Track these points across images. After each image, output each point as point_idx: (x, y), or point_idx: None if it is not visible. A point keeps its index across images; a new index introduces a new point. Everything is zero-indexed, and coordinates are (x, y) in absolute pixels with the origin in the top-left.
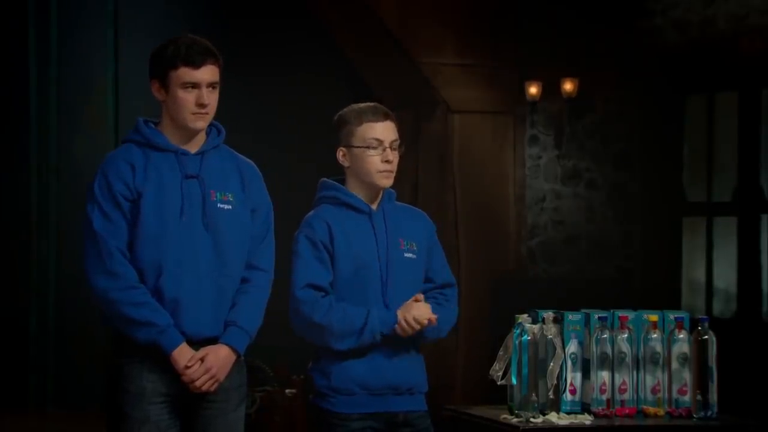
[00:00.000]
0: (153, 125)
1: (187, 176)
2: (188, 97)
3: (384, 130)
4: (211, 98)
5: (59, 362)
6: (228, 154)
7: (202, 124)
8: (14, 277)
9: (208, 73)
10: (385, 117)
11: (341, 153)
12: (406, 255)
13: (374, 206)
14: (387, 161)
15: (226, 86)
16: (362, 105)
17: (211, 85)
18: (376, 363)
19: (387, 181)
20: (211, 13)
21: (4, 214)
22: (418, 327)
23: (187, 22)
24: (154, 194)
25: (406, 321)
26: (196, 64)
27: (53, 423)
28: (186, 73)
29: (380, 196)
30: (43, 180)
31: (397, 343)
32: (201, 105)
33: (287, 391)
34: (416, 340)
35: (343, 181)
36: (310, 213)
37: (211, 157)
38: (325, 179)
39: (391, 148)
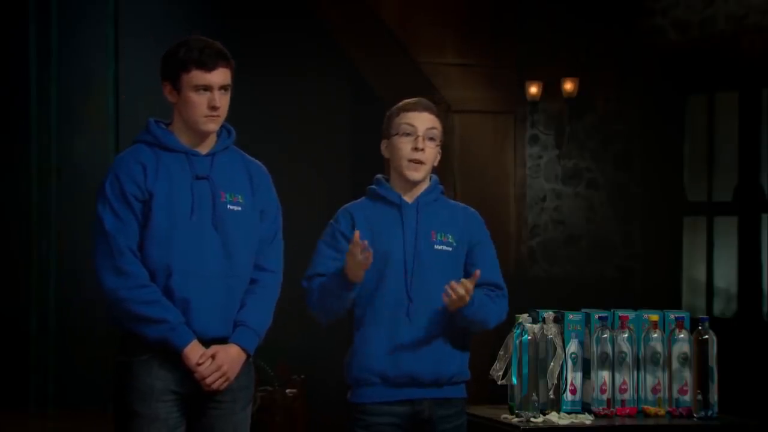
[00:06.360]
0: (164, 126)
1: (198, 177)
2: (200, 100)
3: (418, 119)
4: (223, 101)
5: (59, 362)
6: (238, 156)
7: (213, 126)
8: (14, 277)
9: (220, 76)
10: (423, 108)
11: (384, 145)
12: (436, 247)
13: (409, 199)
14: (416, 149)
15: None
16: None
17: (223, 87)
18: (395, 352)
19: (414, 173)
20: (212, 13)
21: (5, 214)
22: (460, 291)
23: (187, 22)
24: (164, 195)
25: (451, 287)
26: (209, 67)
27: (53, 423)
28: (198, 76)
29: (419, 189)
30: (44, 180)
31: (419, 331)
32: (213, 108)
33: (288, 391)
34: (452, 326)
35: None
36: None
37: (221, 158)
38: (378, 175)
39: (424, 137)
